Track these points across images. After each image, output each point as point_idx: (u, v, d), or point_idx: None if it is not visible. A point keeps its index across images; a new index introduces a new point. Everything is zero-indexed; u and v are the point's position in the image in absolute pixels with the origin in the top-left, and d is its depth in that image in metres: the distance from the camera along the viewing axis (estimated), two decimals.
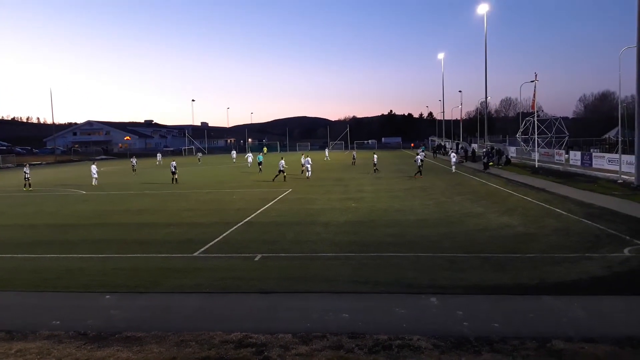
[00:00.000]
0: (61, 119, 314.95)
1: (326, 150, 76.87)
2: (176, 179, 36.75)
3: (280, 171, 35.71)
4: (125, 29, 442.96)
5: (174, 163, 37.78)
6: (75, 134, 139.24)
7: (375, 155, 44.94)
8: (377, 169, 43.05)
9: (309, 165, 37.24)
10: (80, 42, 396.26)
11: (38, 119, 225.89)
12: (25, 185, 34.89)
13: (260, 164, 45.69)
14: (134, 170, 50.54)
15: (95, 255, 14.42)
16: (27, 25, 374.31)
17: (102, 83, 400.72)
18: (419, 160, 38.38)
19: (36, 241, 16.74)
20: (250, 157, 52.97)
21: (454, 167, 41.70)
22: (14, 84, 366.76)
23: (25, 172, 35.48)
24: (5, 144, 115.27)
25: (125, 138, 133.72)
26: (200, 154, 76.88)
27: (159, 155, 72.17)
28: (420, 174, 37.21)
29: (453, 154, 44.23)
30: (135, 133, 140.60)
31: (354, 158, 55.03)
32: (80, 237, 17.16)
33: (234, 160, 67.70)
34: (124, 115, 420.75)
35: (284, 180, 35.22)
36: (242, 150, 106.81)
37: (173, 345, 7.64)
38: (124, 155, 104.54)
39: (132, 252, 14.76)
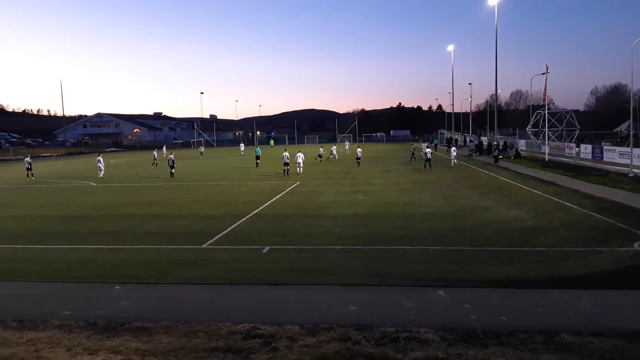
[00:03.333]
0: (71, 111, 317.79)
1: (347, 143, 72.86)
2: (173, 172, 35.69)
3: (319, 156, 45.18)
4: (135, 21, 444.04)
5: (172, 157, 37.00)
6: (85, 126, 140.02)
7: (359, 149, 44.03)
8: (359, 162, 42.01)
9: (301, 161, 35.49)
10: (90, 34, 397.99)
11: (48, 111, 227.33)
12: (28, 175, 36.03)
13: (257, 158, 43.60)
14: (154, 164, 46.65)
15: (106, 246, 14.55)
16: (38, 18, 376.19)
17: (112, 75, 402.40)
18: (429, 153, 38.28)
19: (47, 232, 16.93)
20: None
21: (454, 160, 41.26)
22: (24, 77, 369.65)
23: (26, 161, 37.13)
24: (16, 136, 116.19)
25: (134, 130, 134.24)
26: (202, 148, 74.40)
27: (164, 148, 68.80)
28: (429, 167, 37.23)
29: (453, 148, 44.15)
30: (144, 125, 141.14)
31: (347, 149, 58.18)
32: (91, 229, 17.33)
33: (242, 153, 67.69)
34: (133, 108, 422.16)
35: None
36: (250, 142, 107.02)
37: (182, 335, 7.72)
38: (134, 147, 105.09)
39: (141, 243, 14.88)
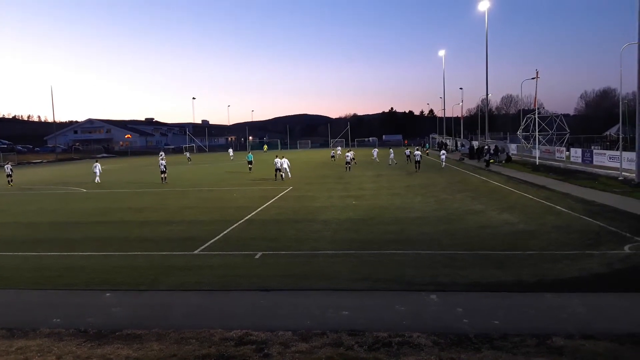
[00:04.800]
0: (62, 117, 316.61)
1: (374, 150, 71.87)
2: (165, 177, 35.72)
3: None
4: (126, 27, 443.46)
5: (163, 162, 37.21)
6: (76, 132, 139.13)
7: (347, 154, 44.45)
8: (350, 167, 42.51)
9: (287, 167, 35.99)
10: (81, 40, 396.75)
11: (39, 117, 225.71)
12: (8, 182, 36.48)
13: (250, 163, 43.80)
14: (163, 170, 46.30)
15: (97, 253, 14.43)
16: (28, 23, 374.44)
17: (103, 81, 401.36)
18: (418, 156, 40.63)
19: (38, 239, 16.76)
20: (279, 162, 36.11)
21: (443, 163, 43.76)
22: (15, 82, 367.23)
23: (7, 168, 37.92)
24: (6, 142, 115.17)
25: (126, 136, 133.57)
26: (188, 153, 72.16)
27: (162, 153, 70.33)
28: (418, 169, 39.76)
29: (443, 152, 46.94)
30: (136, 131, 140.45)
31: (335, 155, 59.11)
32: (82, 235, 17.19)
33: (232, 158, 67.83)
34: (124, 114, 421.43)
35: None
36: (242, 147, 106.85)
37: (173, 342, 7.66)
38: (125, 153, 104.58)
39: (133, 249, 14.77)
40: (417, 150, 44.03)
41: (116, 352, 7.32)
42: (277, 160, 35.88)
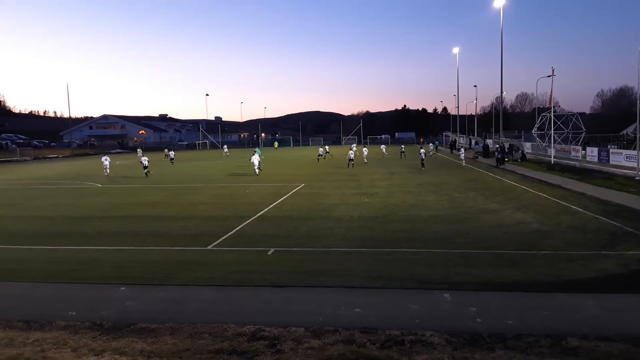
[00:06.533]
0: (77, 112, 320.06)
1: (383, 147, 71.37)
2: (148, 172, 38.64)
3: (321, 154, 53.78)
4: (141, 24, 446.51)
5: (145, 159, 40.12)
6: (91, 127, 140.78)
7: (350, 152, 45.10)
8: (352, 164, 42.99)
9: (256, 162, 38.13)
10: (96, 37, 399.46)
11: (55, 112, 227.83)
12: None
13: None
14: (171, 161, 53.44)
15: (111, 247, 14.59)
16: (44, 20, 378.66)
17: (118, 77, 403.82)
18: (423, 154, 42.38)
19: (53, 233, 16.99)
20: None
21: (463, 161, 44.68)
22: (31, 79, 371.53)
23: None
24: (23, 137, 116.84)
25: (140, 132, 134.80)
26: (167, 150, 64.42)
27: (139, 151, 70.86)
28: (423, 167, 40.94)
29: (462, 150, 48.35)
30: (150, 127, 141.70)
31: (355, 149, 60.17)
32: (96, 229, 17.39)
33: (228, 154, 69.97)
34: (138, 110, 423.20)
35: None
36: (255, 144, 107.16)
37: (187, 337, 7.72)
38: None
39: (146, 244, 14.91)
40: (422, 148, 45.40)
41: (131, 345, 7.40)
42: (256, 156, 39.36)
